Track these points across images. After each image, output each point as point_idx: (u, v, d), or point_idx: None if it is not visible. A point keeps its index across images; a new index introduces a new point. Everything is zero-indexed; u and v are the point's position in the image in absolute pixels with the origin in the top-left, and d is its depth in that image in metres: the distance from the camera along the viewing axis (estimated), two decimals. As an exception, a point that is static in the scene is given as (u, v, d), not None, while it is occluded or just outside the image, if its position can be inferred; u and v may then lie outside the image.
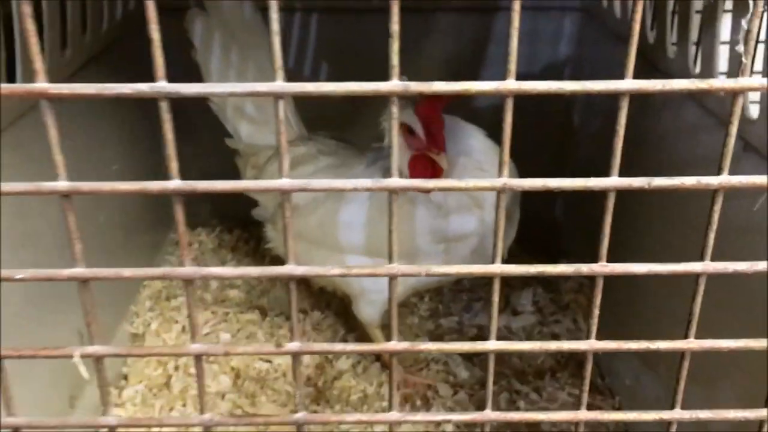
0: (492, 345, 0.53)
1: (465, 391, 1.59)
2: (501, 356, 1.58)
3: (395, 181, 0.48)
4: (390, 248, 0.52)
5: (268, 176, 1.59)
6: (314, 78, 2.01)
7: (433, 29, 1.95)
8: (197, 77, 1.63)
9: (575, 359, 1.66)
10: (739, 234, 1.04)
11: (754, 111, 1.05)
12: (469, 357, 1.67)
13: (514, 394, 1.57)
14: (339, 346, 0.54)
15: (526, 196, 1.40)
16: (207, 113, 1.67)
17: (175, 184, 0.47)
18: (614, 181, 0.47)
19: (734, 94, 0.45)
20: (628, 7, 1.61)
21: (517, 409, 1.53)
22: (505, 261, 0.51)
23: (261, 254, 1.99)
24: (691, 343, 0.53)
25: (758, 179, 0.49)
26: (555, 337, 1.74)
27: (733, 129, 0.47)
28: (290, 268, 0.51)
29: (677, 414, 0.55)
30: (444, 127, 1.30)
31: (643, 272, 0.50)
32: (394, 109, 0.46)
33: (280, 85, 0.44)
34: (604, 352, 0.56)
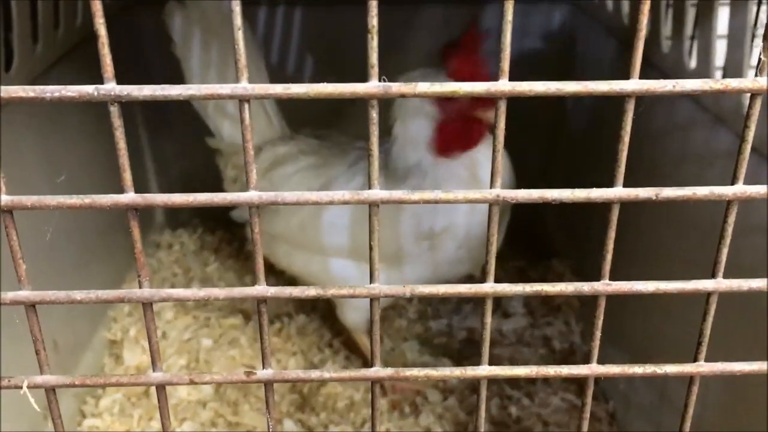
0: (484, 371, 0.49)
1: (455, 396, 1.54)
2: (491, 361, 1.53)
3: (375, 193, 0.43)
4: (372, 265, 0.48)
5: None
6: (298, 75, 1.95)
7: (419, 23, 1.90)
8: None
9: (568, 363, 1.61)
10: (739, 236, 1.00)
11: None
12: (459, 362, 1.62)
13: (506, 399, 1.53)
14: (315, 374, 0.49)
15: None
16: (190, 110, 1.60)
17: (129, 197, 0.42)
18: (619, 192, 0.43)
19: (752, 95, 0.41)
20: (621, 1, 1.56)
21: (509, 415, 1.49)
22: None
23: (245, 256, 1.93)
24: (701, 367, 0.49)
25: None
26: (546, 340, 1.70)
27: (750, 134, 0.42)
28: (261, 290, 0.46)
29: (685, 443, 0.51)
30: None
31: (649, 291, 0.46)
32: (374, 114, 0.41)
33: (243, 87, 0.39)
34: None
